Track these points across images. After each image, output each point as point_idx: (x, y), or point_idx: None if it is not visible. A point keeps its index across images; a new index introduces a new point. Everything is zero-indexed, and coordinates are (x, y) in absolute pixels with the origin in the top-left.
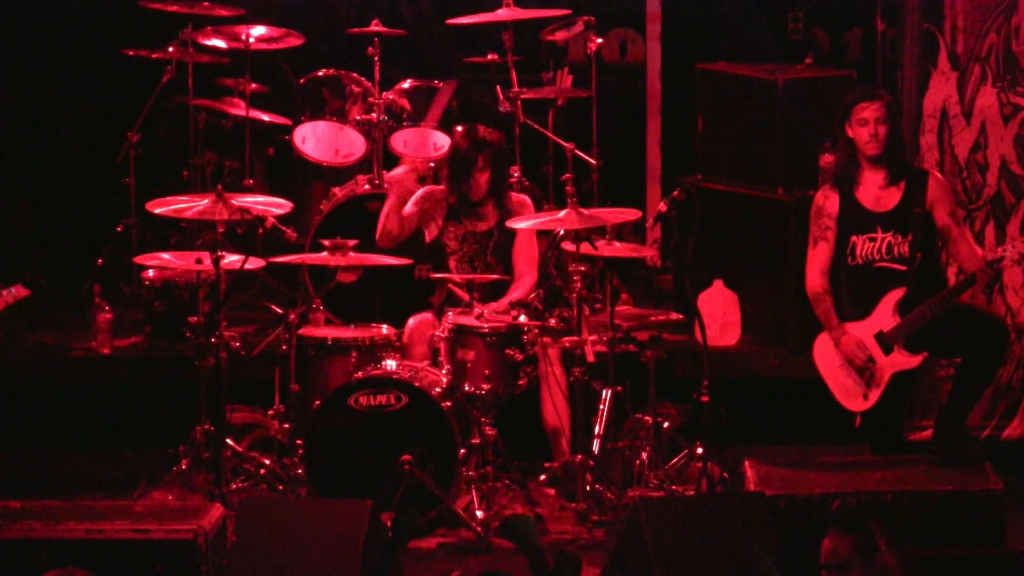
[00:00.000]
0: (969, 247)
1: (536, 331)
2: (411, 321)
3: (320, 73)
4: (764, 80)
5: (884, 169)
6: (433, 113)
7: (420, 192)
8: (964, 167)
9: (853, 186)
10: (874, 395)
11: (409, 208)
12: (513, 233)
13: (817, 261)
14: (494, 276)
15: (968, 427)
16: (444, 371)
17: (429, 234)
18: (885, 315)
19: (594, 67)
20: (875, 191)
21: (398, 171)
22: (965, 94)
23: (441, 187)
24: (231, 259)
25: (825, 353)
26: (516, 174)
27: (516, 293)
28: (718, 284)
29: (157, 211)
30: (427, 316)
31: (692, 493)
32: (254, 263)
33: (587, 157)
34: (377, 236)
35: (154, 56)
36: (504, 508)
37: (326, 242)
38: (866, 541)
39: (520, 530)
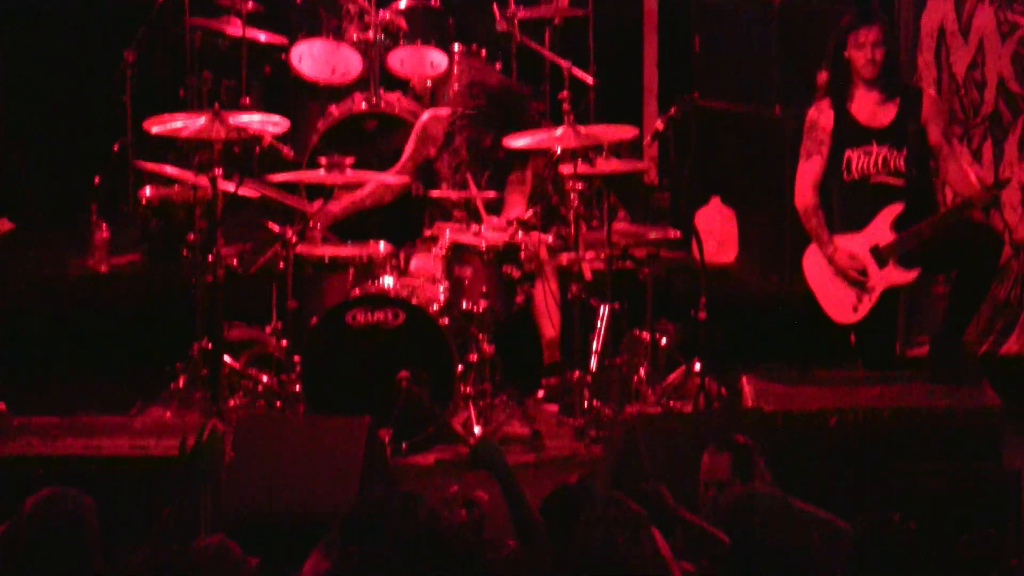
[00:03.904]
0: (959, 167)
1: (533, 247)
2: (414, 263)
3: None
4: None
5: (879, 87)
6: None
7: (421, 121)
8: (962, 85)
9: (847, 100)
10: (864, 308)
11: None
12: (509, 161)
13: (809, 175)
14: (491, 194)
15: (965, 343)
16: (441, 288)
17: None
18: (882, 229)
19: None
20: (870, 107)
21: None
22: (963, 12)
23: (444, 112)
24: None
25: (815, 266)
26: None
27: (512, 213)
28: (715, 201)
29: (154, 130)
30: (428, 256)
31: (689, 409)
32: (251, 189)
33: (584, 75)
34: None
35: None
36: (502, 424)
37: (323, 160)
38: (744, 458)
39: (488, 456)
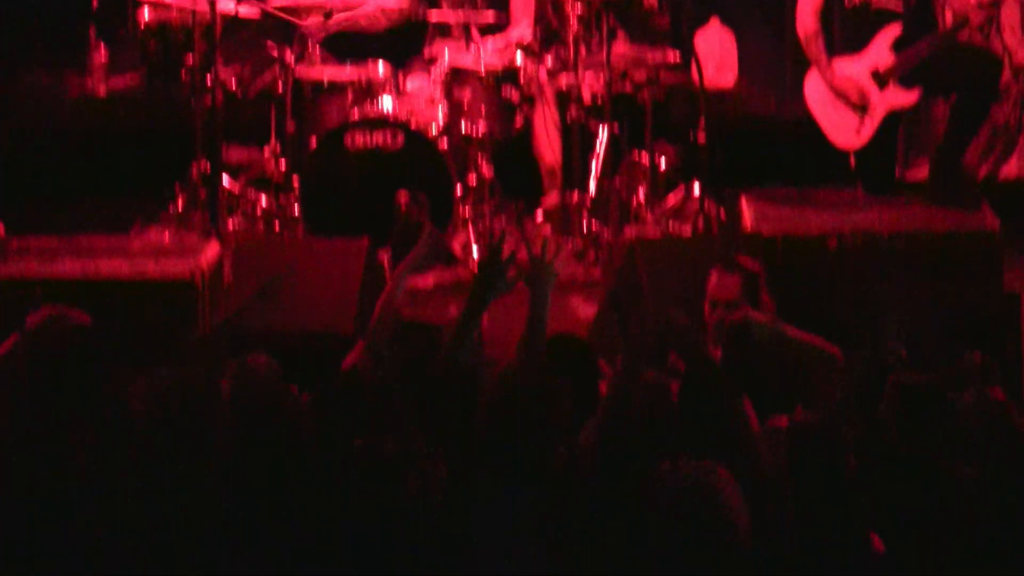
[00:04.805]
0: None
1: (532, 70)
2: (410, 85)
3: None
4: None
5: None
6: None
7: None
8: None
9: None
10: (867, 132)
11: None
12: None
13: (810, 1)
14: (489, 13)
15: (965, 166)
16: (440, 110)
17: None
18: (881, 52)
19: None
20: None
21: None
22: None
23: None
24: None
25: (817, 90)
26: None
27: (513, 35)
28: (715, 22)
29: None
30: (427, 77)
31: (688, 231)
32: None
33: None
34: None
35: None
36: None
37: None
38: (752, 282)
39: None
